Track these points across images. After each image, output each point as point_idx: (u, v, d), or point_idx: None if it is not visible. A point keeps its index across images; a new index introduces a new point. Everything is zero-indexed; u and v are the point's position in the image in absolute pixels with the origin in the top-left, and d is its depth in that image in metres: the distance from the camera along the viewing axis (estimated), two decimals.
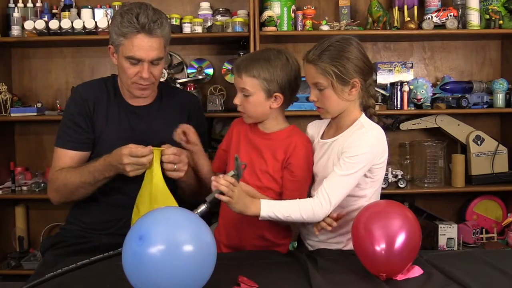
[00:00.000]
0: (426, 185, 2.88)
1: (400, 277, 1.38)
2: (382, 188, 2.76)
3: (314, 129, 1.83)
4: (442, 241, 2.68)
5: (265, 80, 1.68)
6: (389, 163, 2.95)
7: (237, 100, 1.74)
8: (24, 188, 2.89)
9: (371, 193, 1.69)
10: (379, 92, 2.93)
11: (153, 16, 1.74)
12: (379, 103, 2.91)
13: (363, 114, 1.70)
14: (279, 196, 1.73)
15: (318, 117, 1.84)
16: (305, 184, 1.75)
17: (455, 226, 2.70)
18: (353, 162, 1.57)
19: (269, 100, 1.71)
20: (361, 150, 1.58)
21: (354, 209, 1.66)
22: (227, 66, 3.00)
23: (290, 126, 1.80)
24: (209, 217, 2.04)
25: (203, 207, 1.49)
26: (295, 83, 1.74)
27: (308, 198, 1.60)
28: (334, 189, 1.56)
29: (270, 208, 1.53)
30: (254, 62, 1.70)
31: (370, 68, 1.69)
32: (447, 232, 2.69)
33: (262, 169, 1.75)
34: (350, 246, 1.62)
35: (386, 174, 2.84)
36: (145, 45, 1.73)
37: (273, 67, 1.69)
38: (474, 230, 2.78)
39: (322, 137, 1.77)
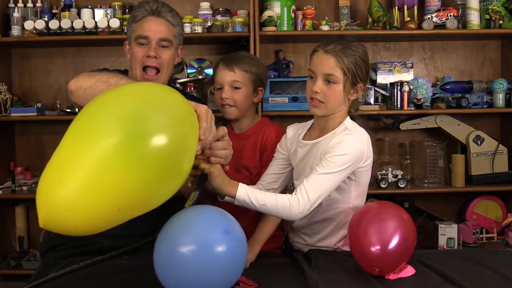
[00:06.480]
0: (426, 185, 2.88)
1: (392, 277, 1.39)
2: (382, 188, 2.81)
3: (294, 131, 1.80)
4: (442, 241, 2.69)
5: (253, 74, 1.87)
6: (389, 163, 2.99)
7: (227, 94, 1.85)
8: (24, 188, 2.89)
9: (355, 196, 1.68)
10: (379, 92, 2.93)
11: (163, 4, 1.87)
12: (379, 103, 2.91)
13: (348, 118, 1.69)
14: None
15: None
16: None
17: (455, 226, 2.70)
18: (336, 162, 1.54)
19: (254, 94, 1.91)
20: (344, 151, 1.55)
21: (339, 211, 1.67)
22: None
23: (262, 118, 2.00)
24: None
25: (196, 195, 1.41)
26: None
27: (287, 194, 1.56)
28: (313, 187, 1.51)
29: (246, 192, 1.49)
30: (242, 58, 1.89)
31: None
32: (447, 232, 2.69)
33: (256, 166, 1.87)
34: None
35: (386, 174, 2.84)
36: (153, 25, 1.84)
37: (257, 63, 1.91)
38: (474, 230, 2.78)
39: (304, 139, 1.74)
